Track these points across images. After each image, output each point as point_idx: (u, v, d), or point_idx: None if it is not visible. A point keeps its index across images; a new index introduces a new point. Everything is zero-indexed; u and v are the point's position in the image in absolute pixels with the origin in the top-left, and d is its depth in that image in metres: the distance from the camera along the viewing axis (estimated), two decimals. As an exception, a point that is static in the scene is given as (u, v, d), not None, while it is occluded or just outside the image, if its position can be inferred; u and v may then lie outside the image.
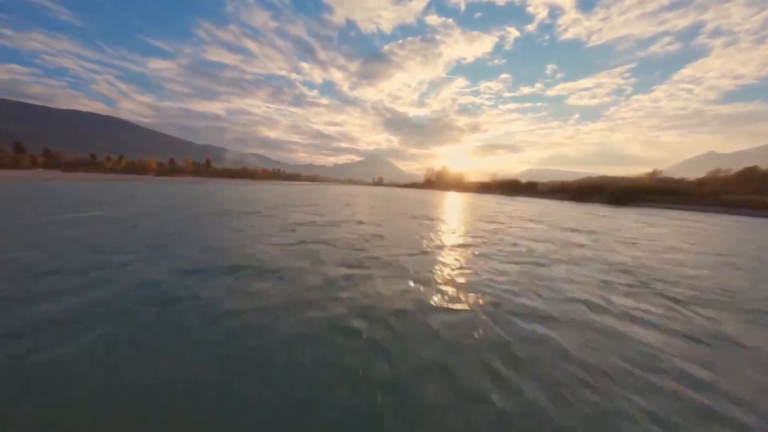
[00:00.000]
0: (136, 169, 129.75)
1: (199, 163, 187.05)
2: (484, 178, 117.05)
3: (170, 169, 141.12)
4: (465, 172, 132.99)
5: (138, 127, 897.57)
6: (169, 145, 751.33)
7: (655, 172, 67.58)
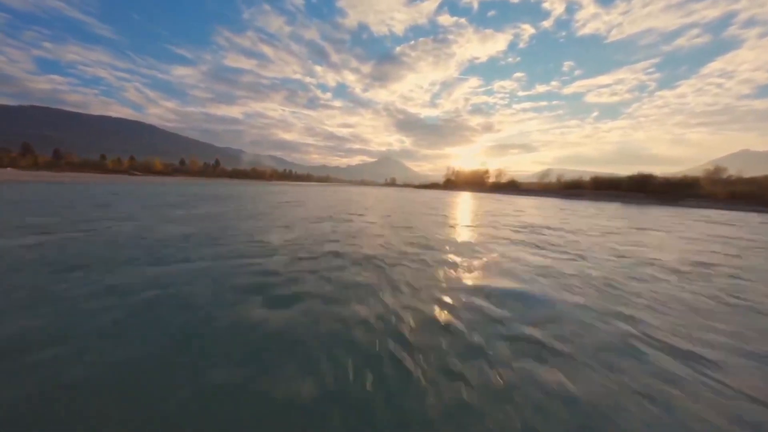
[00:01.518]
0: (140, 169, 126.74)
1: (209, 163, 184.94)
2: (504, 178, 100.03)
3: (175, 170, 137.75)
4: (493, 170, 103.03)
5: (164, 131, 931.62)
6: (191, 147, 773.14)
7: (718, 170, 54.09)
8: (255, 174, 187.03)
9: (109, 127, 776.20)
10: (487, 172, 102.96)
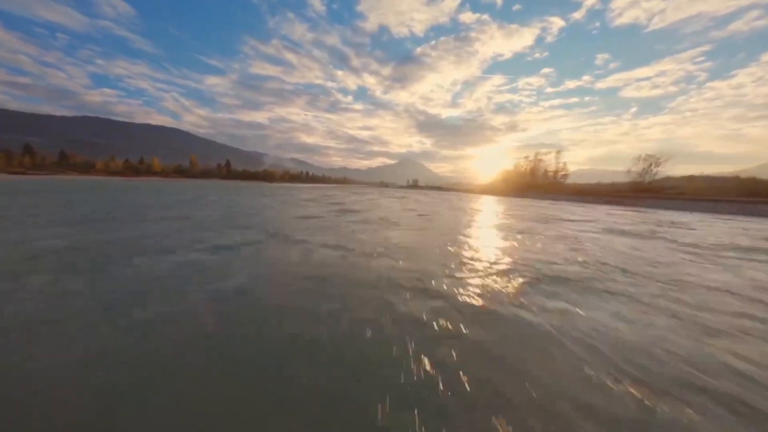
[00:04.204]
0: (142, 170, 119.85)
1: (220, 164, 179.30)
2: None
3: (178, 170, 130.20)
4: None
5: (196, 137, 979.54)
6: (220, 151, 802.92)
7: None
8: (265, 176, 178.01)
9: (150, 134, 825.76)
10: (564, 167, 69.50)
